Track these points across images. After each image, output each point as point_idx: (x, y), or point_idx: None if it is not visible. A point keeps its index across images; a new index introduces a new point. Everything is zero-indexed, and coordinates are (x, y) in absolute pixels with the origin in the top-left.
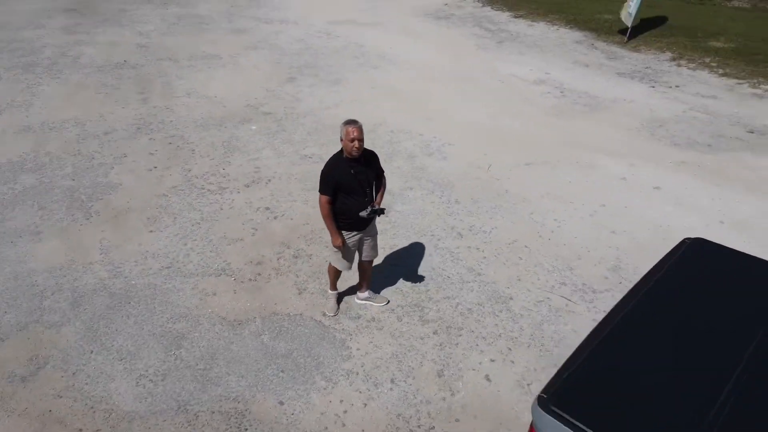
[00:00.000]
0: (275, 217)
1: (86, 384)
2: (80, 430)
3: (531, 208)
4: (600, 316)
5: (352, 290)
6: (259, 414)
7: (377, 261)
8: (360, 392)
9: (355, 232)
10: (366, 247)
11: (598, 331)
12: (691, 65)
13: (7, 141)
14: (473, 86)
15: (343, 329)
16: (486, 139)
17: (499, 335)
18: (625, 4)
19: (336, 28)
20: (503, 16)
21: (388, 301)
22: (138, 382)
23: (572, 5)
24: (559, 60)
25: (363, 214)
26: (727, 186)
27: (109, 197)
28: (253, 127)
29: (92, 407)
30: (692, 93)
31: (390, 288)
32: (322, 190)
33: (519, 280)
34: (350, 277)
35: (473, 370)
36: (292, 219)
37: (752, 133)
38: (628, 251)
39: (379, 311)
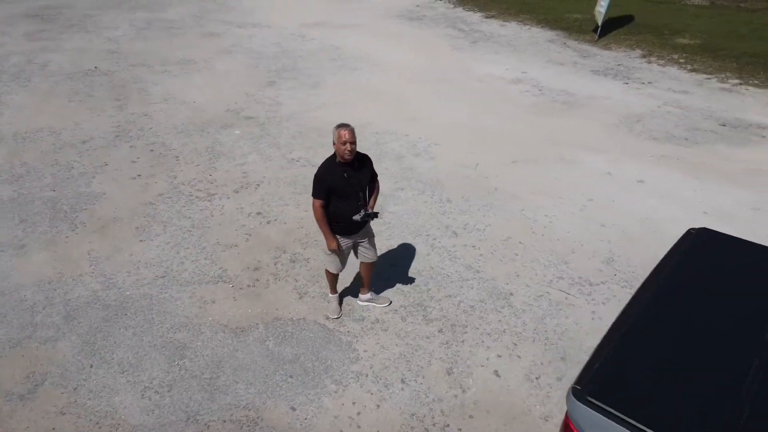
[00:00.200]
0: (268, 222)
1: (89, 399)
2: None
3: (522, 205)
4: (599, 309)
5: (353, 292)
6: (271, 421)
7: None
8: (371, 393)
9: (349, 236)
10: (362, 250)
11: (622, 322)
12: (661, 62)
13: None
14: (452, 86)
15: (348, 332)
16: (470, 138)
17: (504, 331)
18: (598, 1)
19: (309, 30)
20: (475, 17)
21: (391, 302)
22: (143, 395)
23: (541, 5)
24: (533, 59)
25: (356, 218)
26: (706, 178)
27: (94, 207)
28: (237, 132)
29: (98, 422)
30: (664, 88)
31: (391, 289)
32: (315, 195)
33: (517, 275)
34: (349, 279)
35: (482, 366)
36: (285, 223)
37: (724, 126)
38: (620, 244)
39: (383, 312)
